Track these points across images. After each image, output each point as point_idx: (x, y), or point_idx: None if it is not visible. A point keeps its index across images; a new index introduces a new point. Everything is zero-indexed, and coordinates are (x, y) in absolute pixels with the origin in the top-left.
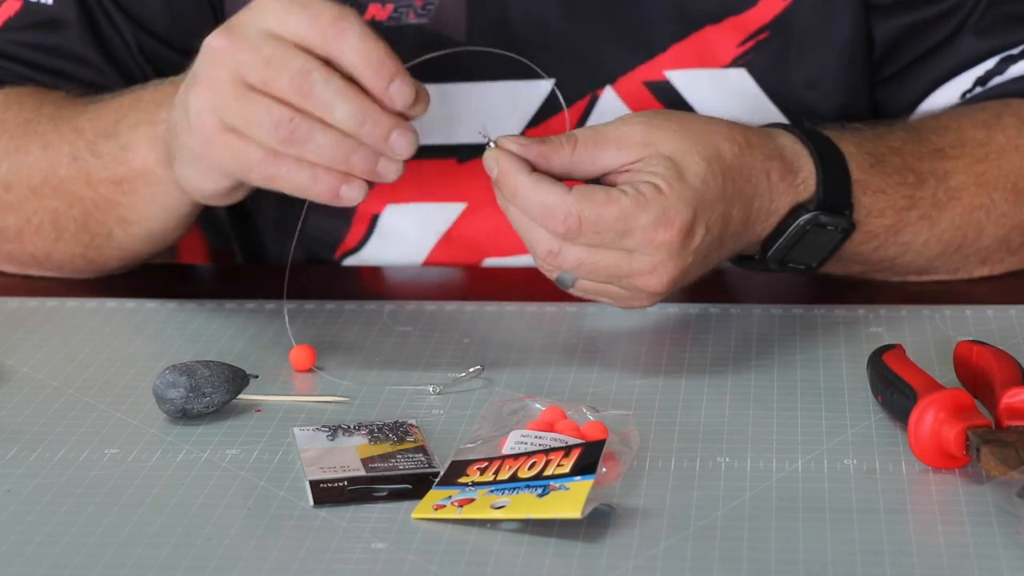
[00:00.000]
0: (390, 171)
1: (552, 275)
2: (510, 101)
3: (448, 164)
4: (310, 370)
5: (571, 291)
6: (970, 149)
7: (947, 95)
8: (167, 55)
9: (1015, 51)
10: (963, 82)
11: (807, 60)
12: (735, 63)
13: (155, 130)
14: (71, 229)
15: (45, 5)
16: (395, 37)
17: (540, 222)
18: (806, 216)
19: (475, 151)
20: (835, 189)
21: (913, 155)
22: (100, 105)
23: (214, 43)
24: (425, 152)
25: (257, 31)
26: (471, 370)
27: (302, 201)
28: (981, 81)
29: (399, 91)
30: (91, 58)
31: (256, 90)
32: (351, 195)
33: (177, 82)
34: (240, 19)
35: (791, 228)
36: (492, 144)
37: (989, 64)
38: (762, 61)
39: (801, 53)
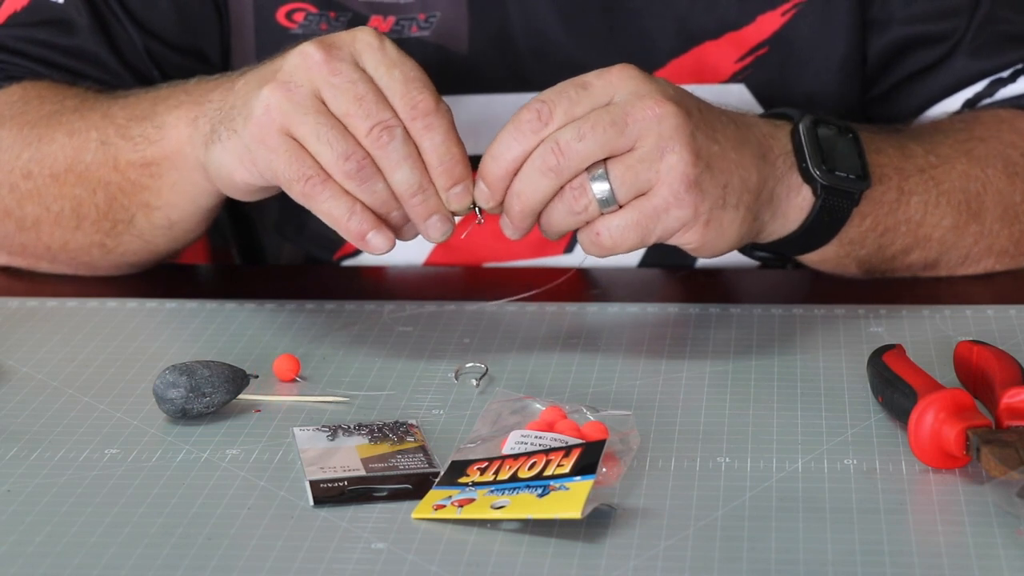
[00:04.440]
0: (409, 237)
1: (587, 205)
2: (512, 113)
3: None
4: (294, 380)
5: (613, 223)
6: (952, 134)
7: (935, 115)
8: (172, 58)
9: (1005, 74)
10: (953, 103)
11: (805, 76)
12: (734, 78)
13: (200, 109)
14: (92, 216)
15: (55, 4)
16: None
17: (518, 137)
18: (805, 122)
19: (475, 162)
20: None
21: (893, 131)
22: (134, 97)
23: (312, 53)
24: None
25: (354, 64)
26: (469, 366)
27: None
28: (970, 103)
29: (458, 196)
30: (106, 60)
31: (331, 114)
32: (377, 243)
33: (232, 76)
34: (343, 40)
35: (800, 134)
36: (480, 220)
37: (979, 87)
38: (761, 76)
39: (799, 69)
